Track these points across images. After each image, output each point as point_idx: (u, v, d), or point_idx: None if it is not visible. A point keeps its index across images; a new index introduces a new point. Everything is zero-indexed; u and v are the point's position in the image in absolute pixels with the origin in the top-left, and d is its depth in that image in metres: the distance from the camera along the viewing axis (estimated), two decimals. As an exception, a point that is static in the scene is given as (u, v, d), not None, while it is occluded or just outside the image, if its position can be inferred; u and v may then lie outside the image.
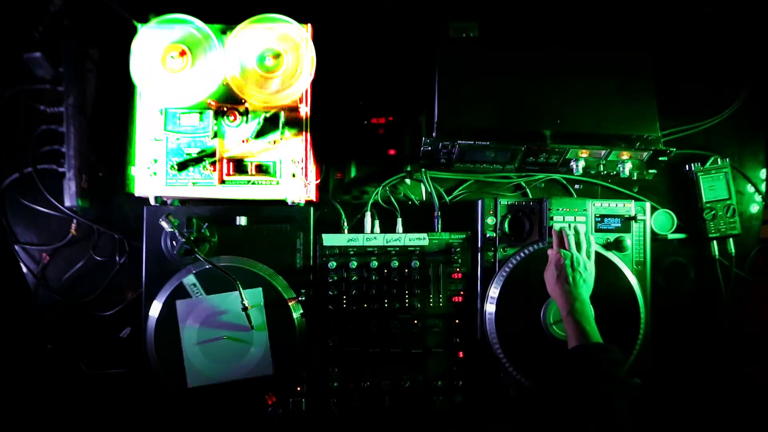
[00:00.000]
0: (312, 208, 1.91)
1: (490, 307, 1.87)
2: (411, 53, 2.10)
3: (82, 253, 2.07)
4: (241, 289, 1.73)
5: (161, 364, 1.79)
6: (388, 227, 2.03)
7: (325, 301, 1.91)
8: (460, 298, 1.93)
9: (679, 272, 2.13)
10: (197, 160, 1.81)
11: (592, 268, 1.76)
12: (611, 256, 1.89)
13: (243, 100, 1.81)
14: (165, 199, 1.89)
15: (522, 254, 1.89)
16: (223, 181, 1.82)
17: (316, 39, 1.81)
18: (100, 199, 2.05)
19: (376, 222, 2.02)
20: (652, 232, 2.00)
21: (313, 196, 1.93)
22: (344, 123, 2.12)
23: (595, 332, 1.57)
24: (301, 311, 1.85)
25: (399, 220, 2.03)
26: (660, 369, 1.96)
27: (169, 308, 1.80)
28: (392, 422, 1.89)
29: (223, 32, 1.80)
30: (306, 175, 1.83)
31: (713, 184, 2.08)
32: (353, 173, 2.13)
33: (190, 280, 1.80)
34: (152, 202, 1.86)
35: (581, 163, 1.98)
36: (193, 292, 1.80)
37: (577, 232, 1.80)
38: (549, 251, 1.80)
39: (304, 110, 1.83)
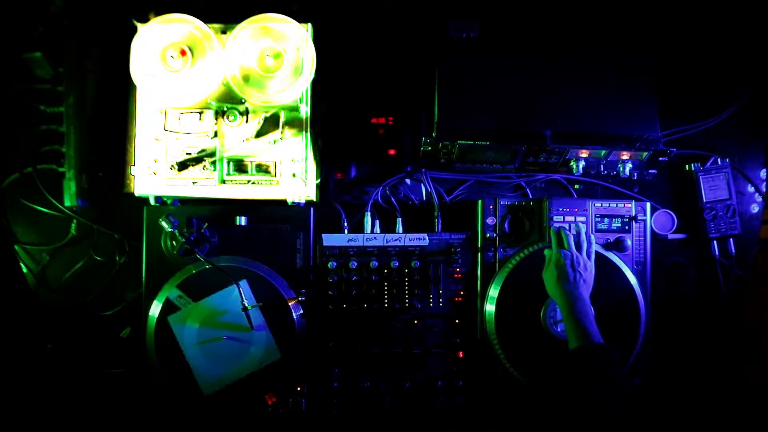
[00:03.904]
0: (312, 208, 1.91)
1: (490, 307, 1.87)
2: (411, 53, 2.10)
3: (82, 253, 2.07)
4: (241, 289, 1.73)
5: (161, 364, 1.79)
6: (388, 227, 2.03)
7: (325, 301, 1.91)
8: (460, 298, 1.93)
9: (679, 272, 2.13)
10: (197, 160, 1.81)
11: (592, 268, 1.76)
12: (611, 256, 1.89)
13: (243, 100, 1.81)
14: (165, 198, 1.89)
15: (522, 254, 1.89)
16: (223, 181, 1.82)
17: (317, 39, 1.81)
18: (100, 199, 2.05)
19: (376, 222, 2.02)
20: (652, 232, 2.00)
21: (313, 196, 1.93)
22: (344, 123, 2.12)
23: (597, 333, 1.57)
24: (301, 311, 1.86)
25: (399, 220, 2.03)
26: (660, 369, 1.96)
27: (168, 308, 1.80)
28: (392, 422, 1.89)
29: (223, 32, 1.80)
30: (306, 174, 1.83)
31: (713, 184, 2.08)
32: (353, 173, 2.13)
33: (174, 293, 1.80)
34: (152, 202, 1.86)
35: (581, 163, 1.98)
36: (180, 303, 1.80)
37: (577, 232, 1.80)
38: (546, 251, 1.80)
39: (304, 110, 1.83)
